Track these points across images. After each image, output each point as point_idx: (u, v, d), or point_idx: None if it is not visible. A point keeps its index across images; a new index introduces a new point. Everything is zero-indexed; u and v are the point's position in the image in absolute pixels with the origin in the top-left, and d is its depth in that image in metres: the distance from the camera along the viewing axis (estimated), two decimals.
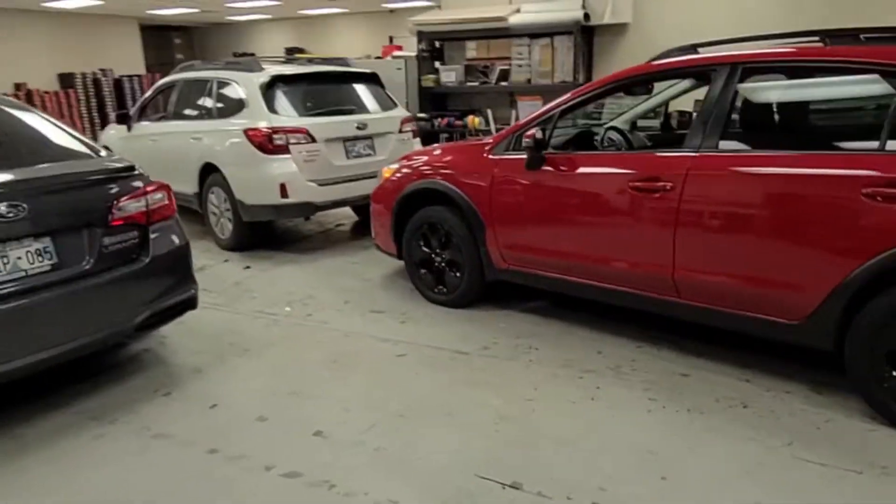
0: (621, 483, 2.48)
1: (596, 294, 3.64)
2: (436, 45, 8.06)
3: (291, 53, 16.22)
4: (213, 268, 5.40)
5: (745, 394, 3.09)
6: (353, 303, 4.47)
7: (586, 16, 6.99)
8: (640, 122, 4.57)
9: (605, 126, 4.15)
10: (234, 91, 5.63)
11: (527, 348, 3.66)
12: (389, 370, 3.48)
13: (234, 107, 5.60)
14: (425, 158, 4.38)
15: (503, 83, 7.50)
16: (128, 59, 16.08)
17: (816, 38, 3.00)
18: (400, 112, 6.16)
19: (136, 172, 3.27)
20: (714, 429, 2.82)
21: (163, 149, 6.35)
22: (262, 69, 5.61)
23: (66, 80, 14.30)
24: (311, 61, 6.16)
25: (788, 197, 2.86)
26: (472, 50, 7.60)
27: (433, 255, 4.30)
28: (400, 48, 8.40)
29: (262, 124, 5.29)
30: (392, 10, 16.22)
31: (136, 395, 3.25)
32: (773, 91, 3.37)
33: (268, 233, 6.03)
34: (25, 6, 13.00)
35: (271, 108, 5.41)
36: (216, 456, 2.73)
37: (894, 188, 2.59)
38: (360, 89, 6.04)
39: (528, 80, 7.36)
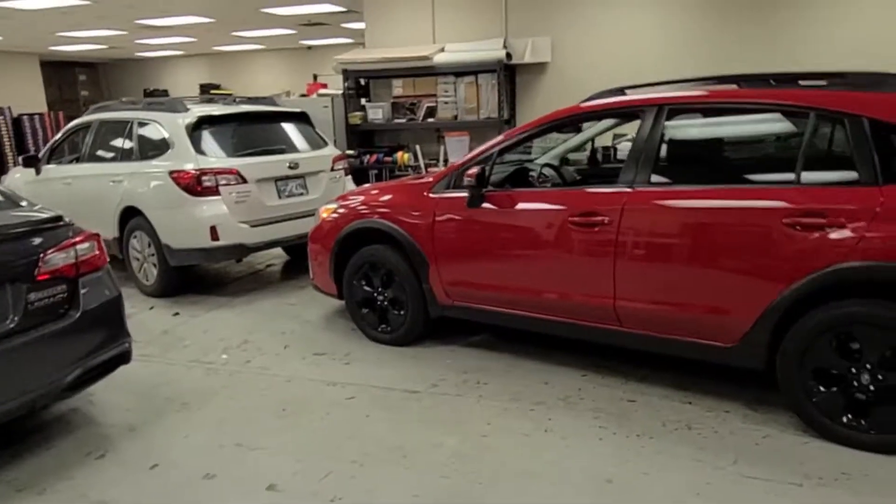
0: None
1: (541, 326, 3.72)
2: (361, 82, 8.11)
3: (206, 90, 15.87)
4: (138, 315, 5.13)
5: (689, 416, 3.23)
6: (293, 346, 4.36)
7: (508, 55, 7.25)
8: (570, 157, 4.77)
9: (540, 163, 4.29)
10: (157, 132, 5.45)
11: (475, 383, 3.69)
12: (339, 414, 3.40)
13: (157, 148, 5.41)
14: (363, 198, 4.38)
15: (430, 119, 7.63)
16: (27, 96, 15.20)
17: (733, 82, 3.26)
18: (331, 150, 6.14)
19: (63, 222, 3.09)
20: (664, 452, 2.92)
21: (78, 192, 6.02)
22: (186, 109, 5.46)
23: None
24: (235, 101, 6.04)
25: (717, 227, 3.06)
26: (398, 87, 7.70)
27: (375, 294, 4.27)
28: (325, 86, 8.40)
29: (189, 166, 5.13)
30: (310, 48, 16.22)
31: (66, 459, 3.02)
32: (698, 130, 3.62)
33: (195, 277, 5.81)
34: None
35: (198, 150, 5.26)
36: None
37: (810, 217, 2.83)
38: (290, 128, 5.99)
39: (455, 117, 7.53)
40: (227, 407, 3.54)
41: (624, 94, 3.55)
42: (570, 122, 3.75)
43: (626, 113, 3.57)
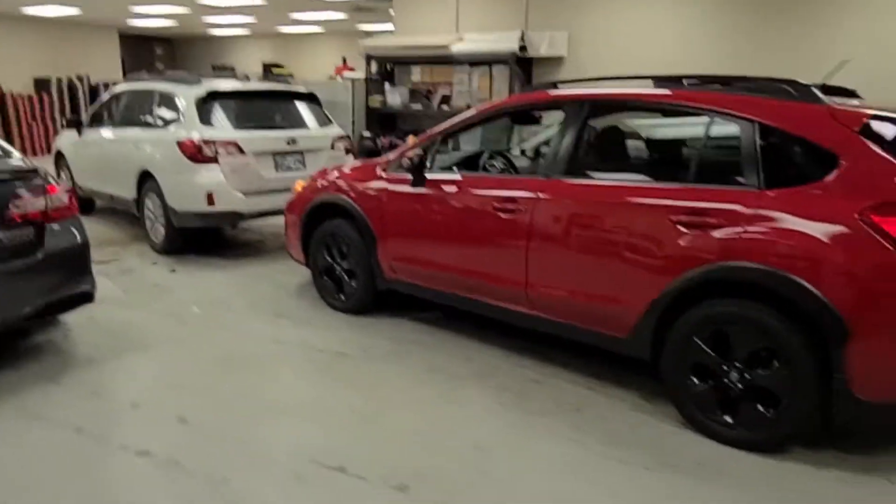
0: (440, 471, 2.76)
1: (467, 305, 3.94)
2: (386, 67, 8.42)
3: (268, 69, 16.65)
4: (140, 270, 5.66)
5: (584, 400, 3.38)
6: (260, 307, 4.75)
7: (523, 48, 7.38)
8: (528, 147, 4.92)
9: (489, 151, 4.48)
10: (173, 102, 5.94)
11: (403, 353, 3.95)
12: (271, 368, 3.75)
13: (171, 117, 5.90)
14: (332, 175, 4.69)
15: (444, 107, 7.86)
16: (106, 66, 16.36)
17: (650, 81, 3.36)
18: (334, 130, 6.49)
19: (40, 175, 3.55)
20: (544, 430, 3.10)
21: (107, 154, 6.65)
22: (199, 83, 5.92)
23: (41, 84, 14.55)
24: (247, 79, 6.47)
25: (614, 221, 3.19)
26: (416, 74, 7.97)
27: (335, 265, 4.59)
28: (352, 69, 8.77)
29: (194, 135, 5.59)
30: (368, 33, 16.67)
31: (24, 380, 3.49)
32: (610, 127, 3.72)
33: (204, 238, 6.31)
34: (6, 12, 13.29)
35: (205, 121, 5.71)
36: (81, 436, 2.98)
37: (695, 216, 2.93)
38: (296, 107, 6.37)
39: (468, 106, 7.72)
40: (179, 353, 3.95)
41: (556, 87, 3.69)
42: (499, 114, 3.90)
43: (549, 107, 3.70)
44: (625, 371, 3.63)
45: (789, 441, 2.89)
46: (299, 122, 6.29)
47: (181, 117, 5.77)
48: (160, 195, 5.86)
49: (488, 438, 3.00)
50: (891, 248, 2.51)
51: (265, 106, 6.20)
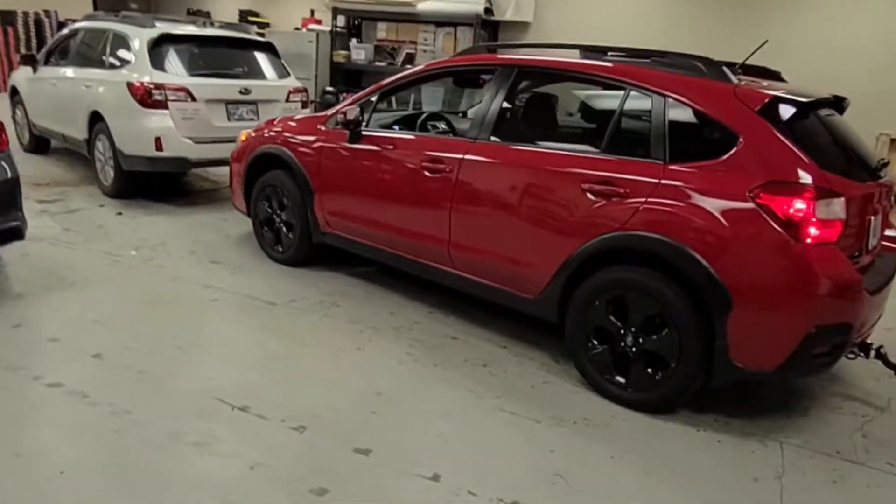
0: (337, 413, 2.88)
1: (395, 261, 4.03)
2: (353, 22, 8.33)
3: (245, 17, 16.24)
4: (86, 211, 5.66)
5: (494, 356, 3.52)
6: (198, 253, 4.80)
7: (488, 10, 7.35)
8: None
9: (429, 112, 4.52)
10: (125, 44, 5.86)
11: (331, 305, 4.04)
12: (196, 311, 3.83)
13: (123, 59, 5.83)
14: (275, 126, 4.70)
15: (408, 66, 7.82)
16: (76, 2, 15.86)
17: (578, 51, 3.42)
18: (291, 82, 6.45)
19: None
20: (446, 380, 3.24)
21: (60, 93, 6.56)
22: (154, 26, 5.84)
23: (6, 17, 14.12)
24: (205, 24, 6.38)
25: (531, 186, 3.28)
26: (382, 31, 7.90)
27: (274, 216, 4.64)
28: (319, 22, 8.65)
29: (144, 79, 5.54)
30: None
31: None
32: (537, 93, 3.78)
33: (156, 183, 6.29)
34: None
35: (157, 65, 5.65)
36: None
37: (603, 185, 3.02)
38: (253, 56, 6.31)
39: None
40: (108, 291, 4.01)
41: (495, 52, 3.74)
42: (435, 75, 3.92)
43: (481, 71, 3.74)
44: (540, 333, 3.76)
45: (677, 404, 3.05)
46: (255, 72, 6.24)
47: (133, 60, 5.70)
48: (110, 137, 5.81)
49: (391, 386, 3.13)
50: (775, 226, 2.63)
51: (221, 53, 6.13)
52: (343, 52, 8.10)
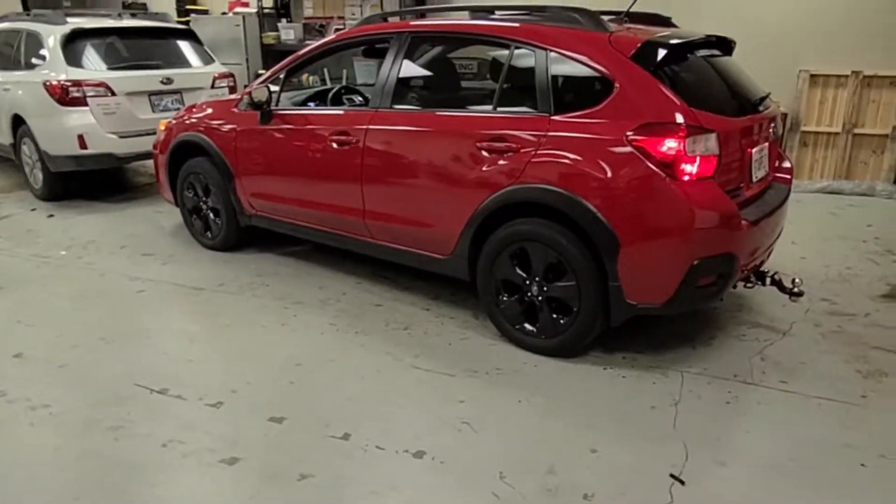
0: (255, 386, 2.96)
1: (319, 237, 4.09)
2: (281, 2, 8.23)
3: (182, 5, 15.88)
4: (17, 216, 5.61)
5: (415, 319, 3.62)
6: (129, 247, 4.80)
7: None
8: None
9: (340, 86, 4.55)
10: (38, 43, 5.76)
11: (259, 285, 4.10)
12: (123, 304, 3.86)
13: (38, 59, 5.73)
14: (195, 112, 4.69)
15: None
16: (3, 1, 15.36)
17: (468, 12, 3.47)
18: (216, 68, 6.39)
19: None
20: (365, 346, 3.33)
21: None
22: (65, 22, 5.74)
23: None
24: (120, 16, 6.28)
25: (433, 149, 3.35)
26: (309, 8, 7.83)
27: (201, 203, 4.66)
28: (246, 4, 8.53)
29: (60, 77, 5.46)
30: None
31: None
32: (431, 58, 3.83)
33: (90, 182, 6.24)
34: None
35: (73, 62, 5.57)
36: None
37: (497, 142, 3.10)
38: (173, 45, 6.24)
39: None
40: (35, 292, 4.02)
41: (386, 20, 3.77)
42: (336, 48, 3.95)
43: (378, 40, 3.77)
44: (462, 292, 3.87)
45: (584, 345, 3.18)
46: (177, 61, 6.17)
47: (47, 58, 5.61)
48: (34, 139, 5.74)
49: (310, 355, 3.22)
50: (651, 166, 2.74)
51: (139, 44, 6.05)
52: (272, 34, 8.02)
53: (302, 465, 2.44)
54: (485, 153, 3.13)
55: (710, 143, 2.77)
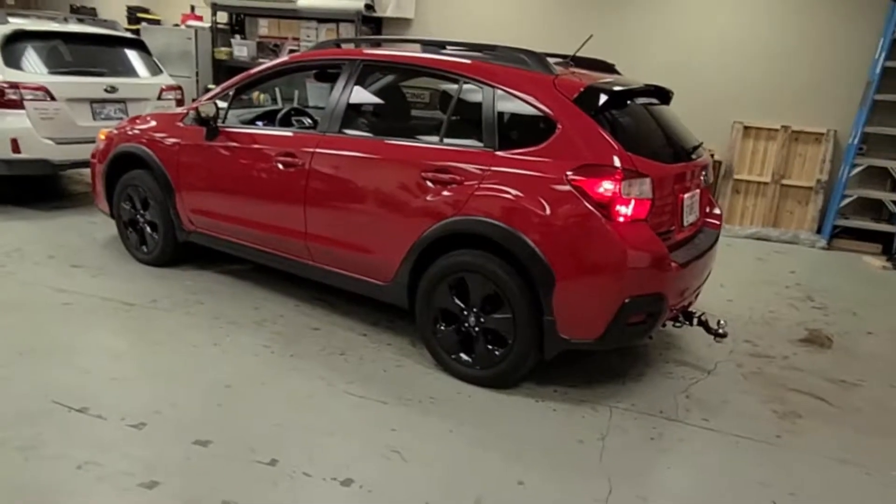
0: (181, 408, 2.87)
1: (259, 258, 4.03)
2: (234, 19, 8.18)
3: (134, 13, 15.57)
4: None
5: (351, 345, 3.60)
6: (58, 258, 4.62)
7: (369, 6, 7.41)
8: None
9: (290, 107, 4.55)
10: None
11: (194, 303, 4.00)
12: (45, 317, 3.69)
13: None
14: (135, 124, 4.59)
15: None
16: None
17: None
18: (163, 79, 6.29)
19: None
20: (299, 370, 3.29)
21: None
22: (6, 22, 5.56)
23: None
24: (65, 20, 6.13)
25: (376, 177, 3.38)
26: (264, 27, 7.81)
27: (137, 216, 4.53)
28: (200, 18, 8.44)
29: None
30: None
31: None
32: (382, 86, 3.89)
33: (24, 189, 5.98)
34: None
35: (12, 63, 5.38)
36: None
37: (442, 173, 3.16)
38: (120, 53, 6.11)
39: None
40: None
41: (339, 46, 3.81)
42: (289, 69, 3.97)
43: (330, 65, 3.81)
44: (401, 319, 3.87)
45: (519, 377, 3.23)
46: (123, 70, 6.04)
47: None
48: None
49: (241, 378, 3.15)
50: (587, 205, 2.84)
51: (84, 50, 5.89)
52: (225, 49, 7.95)
53: (225, 491, 2.37)
54: (429, 183, 3.18)
55: (644, 186, 2.89)
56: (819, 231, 6.65)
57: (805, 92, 6.67)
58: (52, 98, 5.41)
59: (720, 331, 3.46)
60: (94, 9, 16.36)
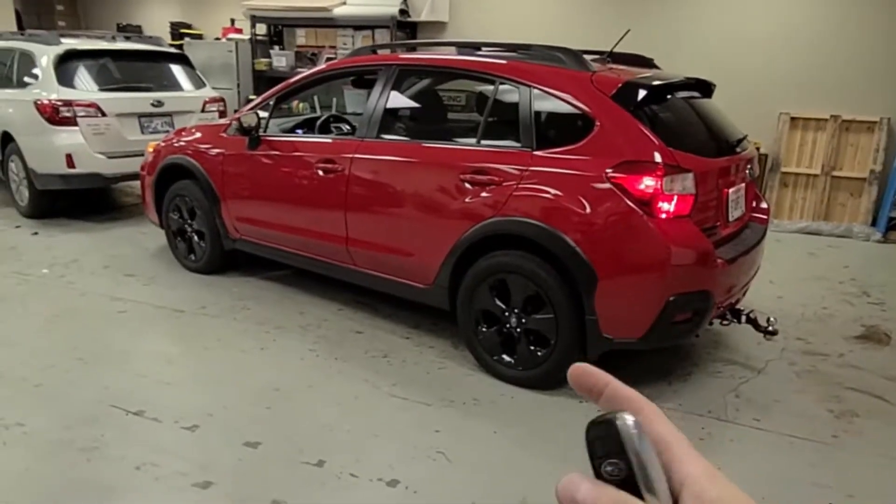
0: (232, 410, 2.95)
1: (303, 263, 4.11)
2: (273, 30, 8.36)
3: (177, 29, 16.06)
4: (1, 233, 5.58)
5: (395, 347, 3.63)
6: (112, 267, 4.79)
7: (403, 12, 7.47)
8: None
9: (329, 114, 4.62)
10: (31, 62, 5.80)
11: (241, 309, 4.10)
12: (101, 324, 3.84)
13: (30, 77, 5.77)
14: (184, 136, 4.73)
15: None
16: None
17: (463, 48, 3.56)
18: (207, 92, 6.46)
19: None
20: (344, 373, 3.34)
21: None
22: (59, 43, 5.80)
23: None
24: (114, 39, 6.36)
25: (415, 180, 3.41)
26: (301, 37, 7.96)
27: (185, 226, 4.67)
28: (240, 31, 8.66)
29: (52, 96, 5.49)
30: None
31: None
32: (419, 91, 3.92)
33: (77, 201, 6.24)
34: None
35: (65, 82, 5.61)
36: None
37: (480, 175, 3.16)
38: (165, 68, 6.31)
39: None
40: (11, 310, 3.99)
41: (376, 53, 3.86)
42: (327, 77, 4.04)
43: (367, 71, 3.86)
44: (443, 322, 3.89)
45: (564, 379, 3.20)
46: (168, 84, 6.24)
47: (40, 77, 5.65)
48: (21, 157, 5.75)
49: (289, 381, 3.22)
50: (629, 203, 2.81)
51: (131, 67, 6.11)
52: (264, 60, 8.13)
53: (274, 491, 2.43)
54: (468, 185, 3.19)
55: (686, 182, 2.84)
56: (874, 224, 6.40)
57: (855, 79, 6.43)
58: (103, 114, 5.62)
59: (770, 328, 3.37)
60: (139, 26, 16.97)
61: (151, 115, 5.93)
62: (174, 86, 6.26)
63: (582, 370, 0.44)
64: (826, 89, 6.55)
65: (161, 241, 5.34)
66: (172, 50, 6.46)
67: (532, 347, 3.15)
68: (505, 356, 3.24)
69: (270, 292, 4.38)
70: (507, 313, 3.19)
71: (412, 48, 4.31)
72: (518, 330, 3.17)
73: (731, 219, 3.24)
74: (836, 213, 6.65)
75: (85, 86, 5.71)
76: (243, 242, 4.38)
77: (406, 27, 7.68)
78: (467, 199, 3.20)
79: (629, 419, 0.39)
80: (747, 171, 3.40)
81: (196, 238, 4.63)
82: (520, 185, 3.04)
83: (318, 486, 2.47)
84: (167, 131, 6.00)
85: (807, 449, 2.81)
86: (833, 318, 4.26)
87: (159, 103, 5.94)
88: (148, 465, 2.54)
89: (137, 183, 6.23)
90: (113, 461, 2.57)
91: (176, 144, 4.65)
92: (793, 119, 6.76)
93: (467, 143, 3.31)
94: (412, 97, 3.82)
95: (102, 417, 2.86)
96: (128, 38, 6.58)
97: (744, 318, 3.40)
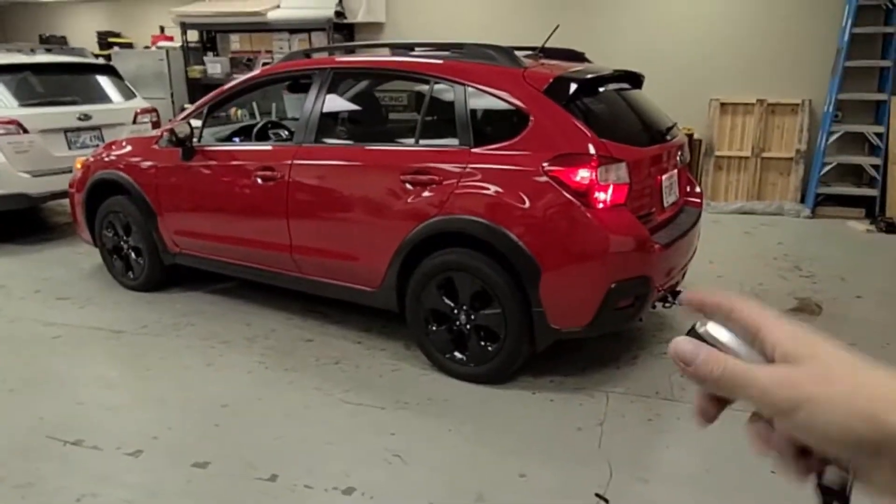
0: (177, 432, 2.86)
1: (246, 274, 4.02)
2: (205, 36, 8.15)
3: (105, 38, 15.49)
4: None
5: (346, 353, 3.59)
6: (44, 291, 4.58)
7: (339, 14, 7.39)
8: None
9: (267, 121, 4.54)
10: None
11: (184, 325, 3.98)
12: (33, 351, 3.67)
13: None
14: (114, 149, 4.57)
15: None
16: None
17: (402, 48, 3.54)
18: (138, 103, 6.25)
19: None
20: (295, 383, 3.28)
21: None
22: None
23: None
24: (32, 51, 6.09)
25: (358, 183, 3.38)
26: (235, 42, 7.79)
27: (121, 243, 4.51)
28: (171, 38, 8.41)
29: None
30: None
31: None
32: (355, 93, 3.90)
33: (4, 223, 5.94)
34: None
35: None
36: None
37: (421, 175, 3.16)
38: (91, 80, 6.08)
39: None
40: None
41: (309, 56, 3.80)
42: (260, 83, 3.97)
43: (301, 75, 3.81)
44: (394, 324, 3.86)
45: (512, 371, 3.23)
46: (96, 96, 6.01)
47: None
48: None
49: (237, 396, 3.15)
50: (566, 194, 2.85)
51: (54, 80, 5.87)
52: (198, 68, 7.92)
53: None
54: (409, 185, 3.18)
55: (620, 171, 2.90)
56: (803, 200, 6.69)
57: (778, 64, 6.70)
58: (25, 131, 5.37)
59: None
60: (63, 37, 16.30)
61: (79, 129, 5.70)
62: (102, 98, 6.03)
63: (689, 298, 0.54)
64: (752, 75, 6.80)
65: (97, 260, 5.13)
66: (97, 61, 6.22)
67: (482, 343, 3.16)
68: (457, 353, 3.25)
69: (215, 306, 4.27)
70: (455, 311, 3.20)
71: (349, 50, 4.26)
72: (468, 327, 3.18)
73: (665, 204, 3.32)
74: (767, 193, 6.91)
75: (3, 102, 5.44)
76: (184, 256, 4.26)
77: (343, 29, 7.60)
78: (409, 200, 3.19)
79: (700, 327, 0.50)
80: (679, 158, 3.49)
81: (133, 255, 4.47)
82: (460, 183, 3.05)
83: (272, 500, 2.43)
84: (97, 145, 5.78)
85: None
86: (769, 294, 4.42)
87: (86, 117, 5.71)
88: (88, 497, 2.44)
89: (68, 201, 6.02)
90: (50, 496, 2.45)
91: (106, 159, 4.48)
92: (723, 105, 6.99)
93: (406, 143, 3.30)
94: (349, 100, 3.78)
95: (37, 450, 2.73)
96: (49, 51, 6.31)
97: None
